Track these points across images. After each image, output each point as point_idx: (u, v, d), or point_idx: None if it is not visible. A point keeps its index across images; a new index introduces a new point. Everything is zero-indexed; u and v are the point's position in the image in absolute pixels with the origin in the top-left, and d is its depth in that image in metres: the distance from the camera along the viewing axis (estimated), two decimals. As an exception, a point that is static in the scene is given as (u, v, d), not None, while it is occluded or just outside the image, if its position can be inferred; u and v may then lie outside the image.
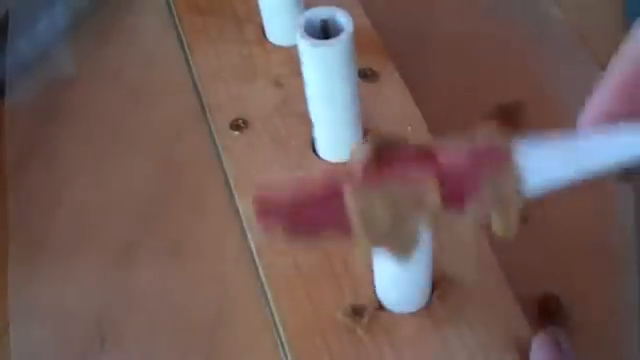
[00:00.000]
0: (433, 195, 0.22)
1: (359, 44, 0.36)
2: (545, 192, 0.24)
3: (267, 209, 0.22)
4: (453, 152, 0.23)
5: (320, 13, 0.35)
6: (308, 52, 0.35)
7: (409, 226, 0.23)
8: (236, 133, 0.42)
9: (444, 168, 0.23)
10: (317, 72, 0.35)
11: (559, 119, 0.45)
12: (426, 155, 0.23)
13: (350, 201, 0.22)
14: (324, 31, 0.35)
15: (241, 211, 0.40)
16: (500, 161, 0.23)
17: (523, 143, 0.23)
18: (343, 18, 0.35)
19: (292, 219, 0.22)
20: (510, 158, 0.23)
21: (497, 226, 0.24)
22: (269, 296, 0.37)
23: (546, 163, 0.23)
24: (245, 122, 0.42)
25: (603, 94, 0.25)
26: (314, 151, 0.41)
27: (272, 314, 0.36)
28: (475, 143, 0.23)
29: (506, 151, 0.23)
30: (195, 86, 0.46)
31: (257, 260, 0.38)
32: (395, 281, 0.33)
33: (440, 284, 0.35)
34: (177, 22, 0.49)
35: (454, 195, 0.23)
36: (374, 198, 0.22)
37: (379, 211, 0.22)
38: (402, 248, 0.23)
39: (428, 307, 0.35)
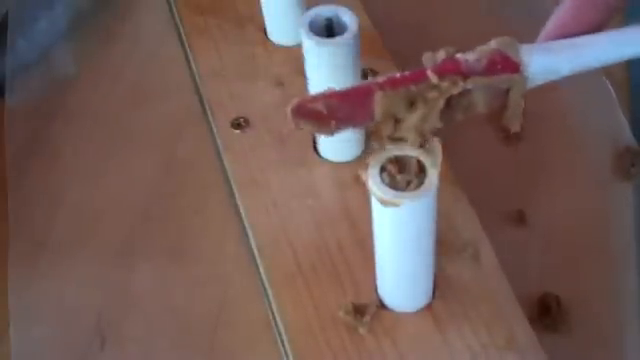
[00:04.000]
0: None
1: (360, 44, 0.36)
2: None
3: (306, 105, 0.26)
4: (472, 62, 0.27)
5: (324, 12, 0.35)
6: (313, 50, 0.35)
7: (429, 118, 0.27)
8: (237, 132, 0.42)
9: (465, 73, 0.27)
10: (322, 70, 0.35)
11: (558, 118, 0.45)
12: (451, 64, 0.27)
13: (377, 102, 0.27)
14: (328, 30, 0.35)
15: (242, 210, 0.40)
16: (510, 69, 0.27)
17: (528, 49, 0.27)
18: (347, 17, 0.35)
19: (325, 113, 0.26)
20: (518, 67, 0.27)
21: (507, 120, 0.29)
22: (270, 295, 0.36)
23: (549, 60, 0.27)
24: (246, 121, 0.42)
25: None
26: (315, 150, 0.41)
27: (273, 313, 0.36)
28: (490, 53, 0.27)
29: (515, 59, 0.27)
30: (196, 85, 0.47)
31: (258, 259, 0.38)
32: (397, 280, 0.33)
33: (441, 284, 0.35)
34: (178, 22, 0.49)
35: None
36: (398, 100, 0.27)
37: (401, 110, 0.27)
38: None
39: (429, 306, 0.34)
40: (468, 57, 0.27)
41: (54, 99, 0.48)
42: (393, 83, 0.27)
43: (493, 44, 0.27)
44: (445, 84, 0.27)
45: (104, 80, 0.49)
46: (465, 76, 0.27)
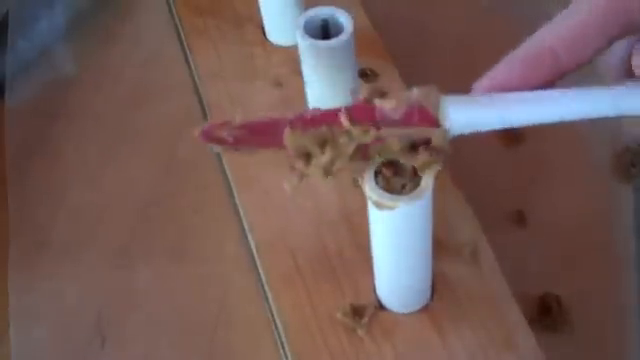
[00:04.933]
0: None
1: (359, 44, 0.36)
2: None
3: (213, 131, 0.27)
4: (388, 111, 0.26)
5: (320, 13, 0.35)
6: (308, 52, 0.35)
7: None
8: (236, 133, 0.42)
9: (378, 120, 0.26)
10: (317, 71, 0.35)
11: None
12: (364, 109, 0.26)
13: (286, 139, 0.26)
14: (324, 31, 0.35)
15: (241, 211, 0.40)
16: (428, 123, 0.26)
17: (450, 102, 0.26)
18: (343, 18, 0.35)
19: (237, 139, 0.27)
20: (436, 122, 0.26)
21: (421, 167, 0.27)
22: (269, 296, 0.37)
23: (473, 114, 0.26)
24: (245, 122, 0.42)
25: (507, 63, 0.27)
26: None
27: (272, 314, 0.36)
28: (408, 105, 0.26)
29: (433, 113, 0.26)
30: (195, 86, 0.47)
31: (257, 260, 0.38)
32: (394, 282, 0.33)
33: (440, 284, 0.35)
34: (177, 22, 0.49)
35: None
36: (307, 139, 0.26)
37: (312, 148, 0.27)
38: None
39: (428, 307, 0.35)
40: (385, 104, 0.26)
41: (54, 99, 0.48)
42: (304, 122, 0.26)
43: (414, 94, 0.26)
44: (356, 131, 0.26)
45: (104, 80, 0.49)
46: (378, 125, 0.26)
